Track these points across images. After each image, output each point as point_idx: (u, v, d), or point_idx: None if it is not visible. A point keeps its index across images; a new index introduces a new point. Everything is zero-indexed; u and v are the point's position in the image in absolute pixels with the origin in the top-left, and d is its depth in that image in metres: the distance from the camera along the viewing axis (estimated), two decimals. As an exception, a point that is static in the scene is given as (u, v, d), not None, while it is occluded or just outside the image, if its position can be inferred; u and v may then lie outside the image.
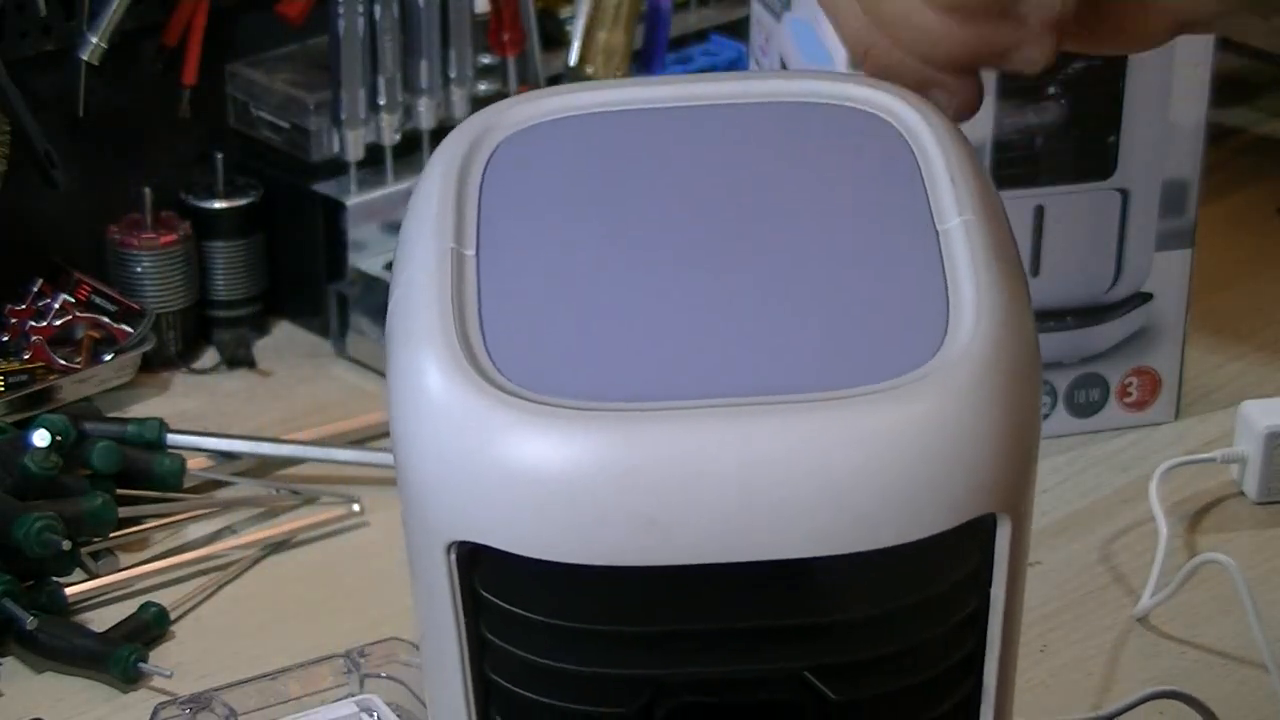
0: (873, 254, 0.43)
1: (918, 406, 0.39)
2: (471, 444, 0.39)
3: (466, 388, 0.40)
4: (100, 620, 1.00)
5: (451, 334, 0.41)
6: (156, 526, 1.08)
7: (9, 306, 1.21)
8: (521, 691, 0.41)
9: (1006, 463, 0.40)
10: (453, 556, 0.40)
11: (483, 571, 0.40)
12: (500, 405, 0.39)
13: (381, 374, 1.24)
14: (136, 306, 1.22)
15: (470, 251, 0.42)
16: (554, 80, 1.28)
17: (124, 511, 1.05)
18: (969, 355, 0.40)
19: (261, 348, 1.28)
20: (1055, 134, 1.11)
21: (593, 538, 0.38)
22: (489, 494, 0.39)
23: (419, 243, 0.43)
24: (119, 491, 1.06)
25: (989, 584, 0.41)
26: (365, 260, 1.25)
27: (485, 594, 0.41)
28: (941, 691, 0.42)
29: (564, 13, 1.34)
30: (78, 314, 1.21)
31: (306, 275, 1.28)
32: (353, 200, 1.25)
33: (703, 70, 1.40)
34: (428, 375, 0.40)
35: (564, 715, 0.41)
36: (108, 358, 1.19)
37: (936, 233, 0.43)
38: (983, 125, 1.09)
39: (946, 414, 0.39)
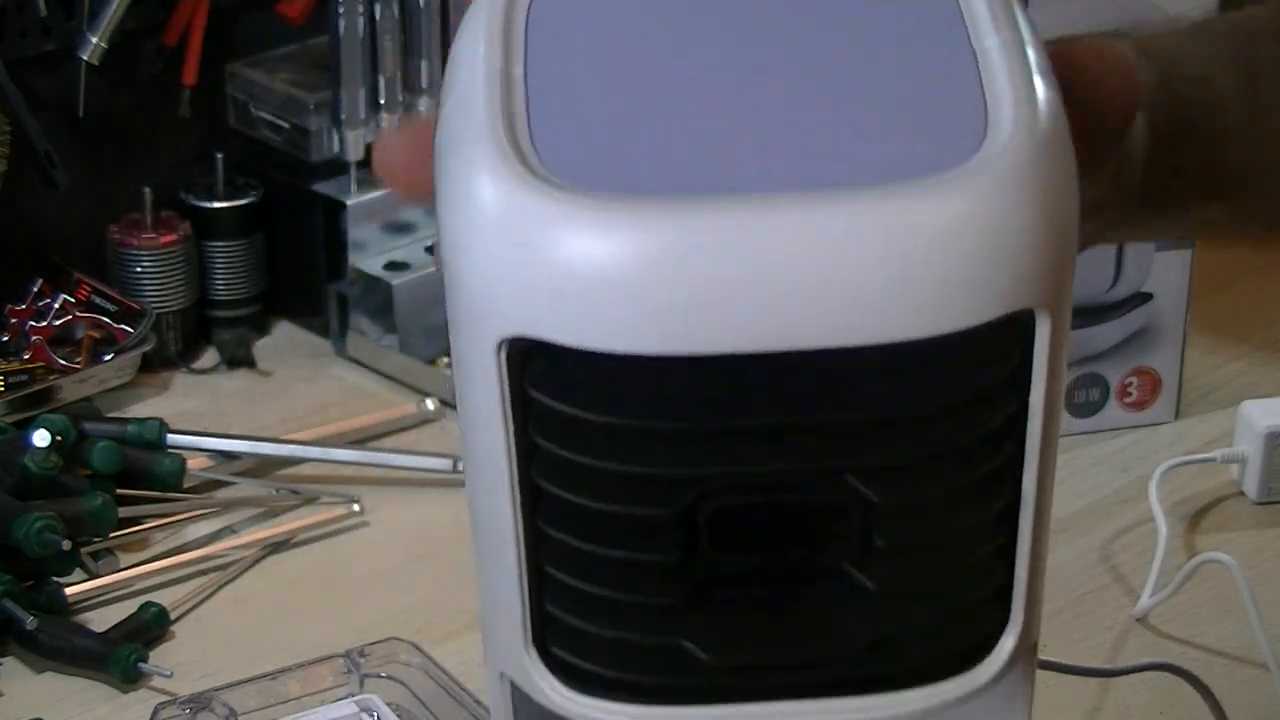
0: (914, 66, 0.44)
1: (961, 197, 0.40)
2: (523, 238, 0.40)
3: (516, 184, 0.40)
4: (100, 620, 1.00)
5: (500, 136, 0.41)
6: (156, 526, 1.09)
7: (9, 306, 1.21)
8: (569, 496, 0.41)
9: (1047, 257, 0.41)
10: (503, 355, 0.40)
11: (533, 370, 0.41)
12: (551, 198, 0.40)
13: (382, 374, 1.25)
14: (136, 306, 1.22)
15: (518, 69, 0.43)
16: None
17: (124, 511, 1.05)
18: (1011, 149, 0.41)
19: (261, 348, 1.28)
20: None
21: (644, 327, 0.39)
22: (541, 286, 0.40)
23: (466, 63, 0.44)
24: (119, 491, 1.07)
25: (1028, 386, 0.42)
26: (365, 260, 1.25)
27: (535, 393, 0.41)
28: (981, 497, 0.43)
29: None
30: (78, 314, 1.21)
31: (306, 275, 1.28)
32: (353, 200, 1.25)
33: None
34: (477, 176, 0.41)
35: (610, 519, 0.41)
36: (108, 358, 1.19)
37: (974, 51, 0.44)
38: (983, 125, 1.09)
39: (990, 205, 0.40)
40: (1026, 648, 0.45)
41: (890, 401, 0.41)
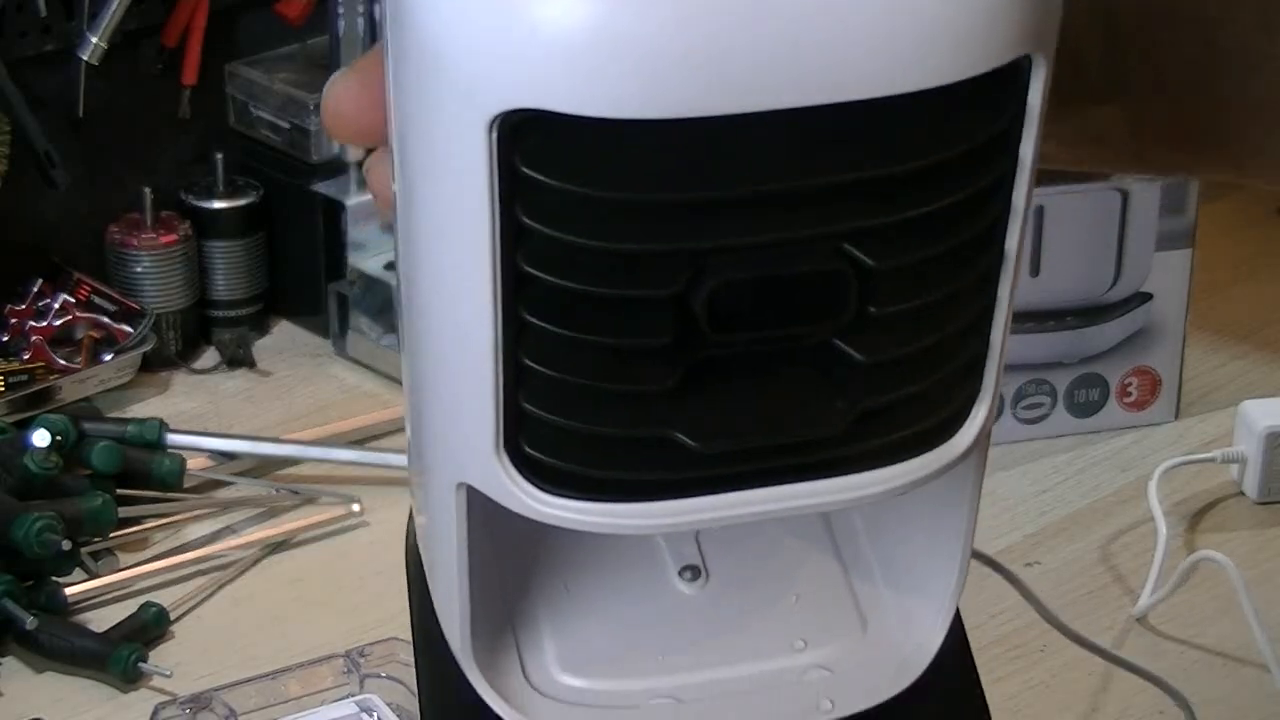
0: None
1: None
2: (514, 2, 0.38)
3: None
4: (100, 620, 1.00)
5: None
6: (156, 526, 1.09)
7: (9, 306, 1.21)
8: (560, 281, 0.40)
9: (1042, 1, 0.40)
10: (494, 134, 0.38)
11: (525, 147, 0.39)
12: None
13: (382, 374, 1.25)
14: (136, 306, 1.22)
15: None
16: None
17: (124, 511, 1.05)
18: None
19: (261, 348, 1.28)
20: (1055, 134, 1.11)
21: (641, 89, 0.38)
22: (536, 53, 0.38)
23: None
24: (119, 491, 1.07)
25: (1020, 138, 0.41)
26: (365, 260, 1.25)
27: (527, 171, 0.39)
28: (971, 257, 0.42)
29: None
30: (78, 314, 1.21)
31: (306, 275, 1.28)
32: (353, 200, 1.25)
33: None
34: None
35: (603, 303, 0.40)
36: (108, 358, 1.19)
37: None
38: (983, 125, 1.09)
39: None
40: (990, 422, 0.45)
41: (888, 160, 0.40)
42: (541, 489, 0.43)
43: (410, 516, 0.53)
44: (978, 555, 0.55)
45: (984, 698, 0.53)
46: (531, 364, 0.41)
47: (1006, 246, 0.43)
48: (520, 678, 0.51)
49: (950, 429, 0.44)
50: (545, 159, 0.39)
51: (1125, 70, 0.51)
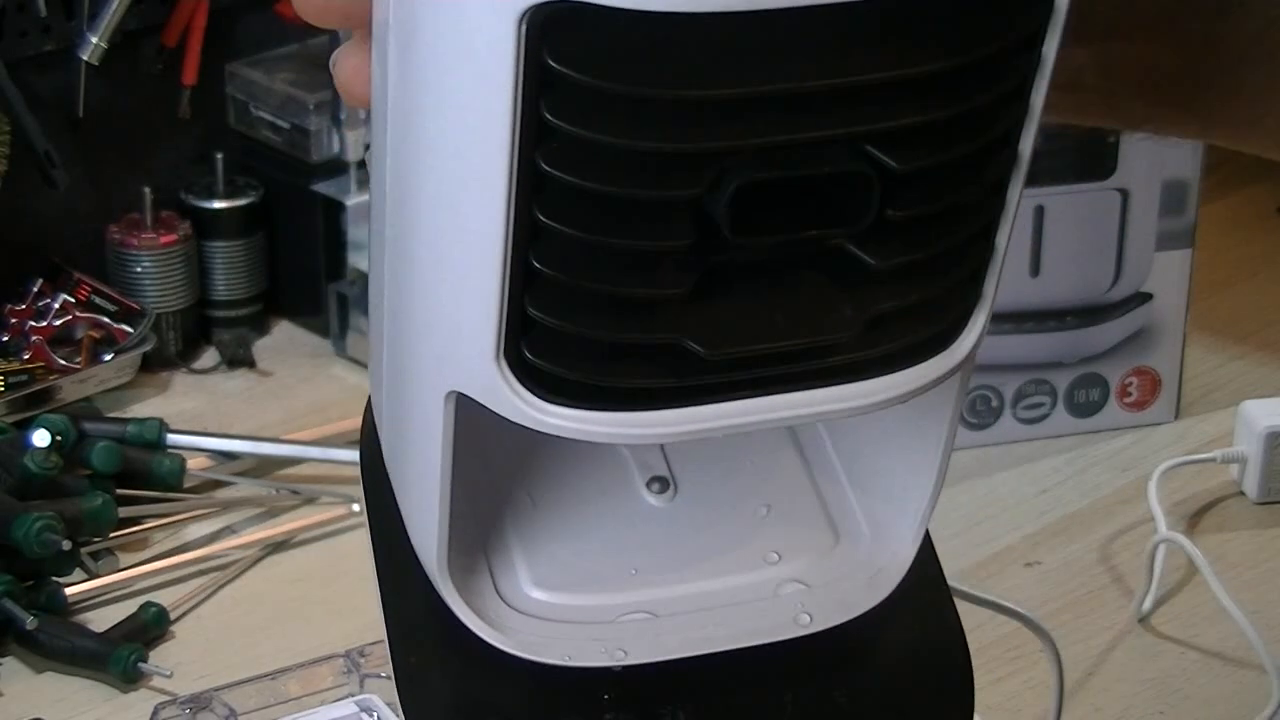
0: None
1: None
2: None
3: None
4: (100, 620, 1.00)
5: None
6: (156, 526, 1.08)
7: (9, 306, 1.21)
8: (582, 182, 0.39)
9: None
10: (524, 28, 0.37)
11: (554, 42, 0.38)
12: None
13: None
14: (136, 306, 1.22)
15: None
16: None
17: (124, 511, 1.05)
18: None
19: (261, 348, 1.28)
20: (1055, 134, 1.11)
21: None
22: None
23: None
24: (119, 491, 1.07)
25: (1043, 38, 0.41)
26: (365, 260, 1.25)
27: (555, 65, 0.38)
28: (989, 161, 0.42)
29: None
30: (78, 314, 1.21)
31: (306, 275, 1.28)
32: (353, 200, 1.25)
33: None
34: None
35: (623, 206, 0.39)
36: (108, 358, 1.19)
37: None
38: (983, 125, 1.09)
39: None
40: (986, 328, 0.45)
41: (916, 60, 0.39)
42: (543, 398, 0.42)
43: (367, 429, 0.52)
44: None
45: (956, 613, 0.53)
46: (542, 268, 0.40)
47: (1020, 149, 0.42)
48: (493, 594, 0.51)
49: (953, 335, 0.44)
50: (574, 54, 0.38)
51: (1098, 11, 0.51)
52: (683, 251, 0.40)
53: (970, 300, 0.44)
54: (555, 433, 0.42)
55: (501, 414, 0.43)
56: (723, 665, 0.49)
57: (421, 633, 0.50)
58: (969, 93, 0.40)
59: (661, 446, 0.52)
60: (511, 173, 0.39)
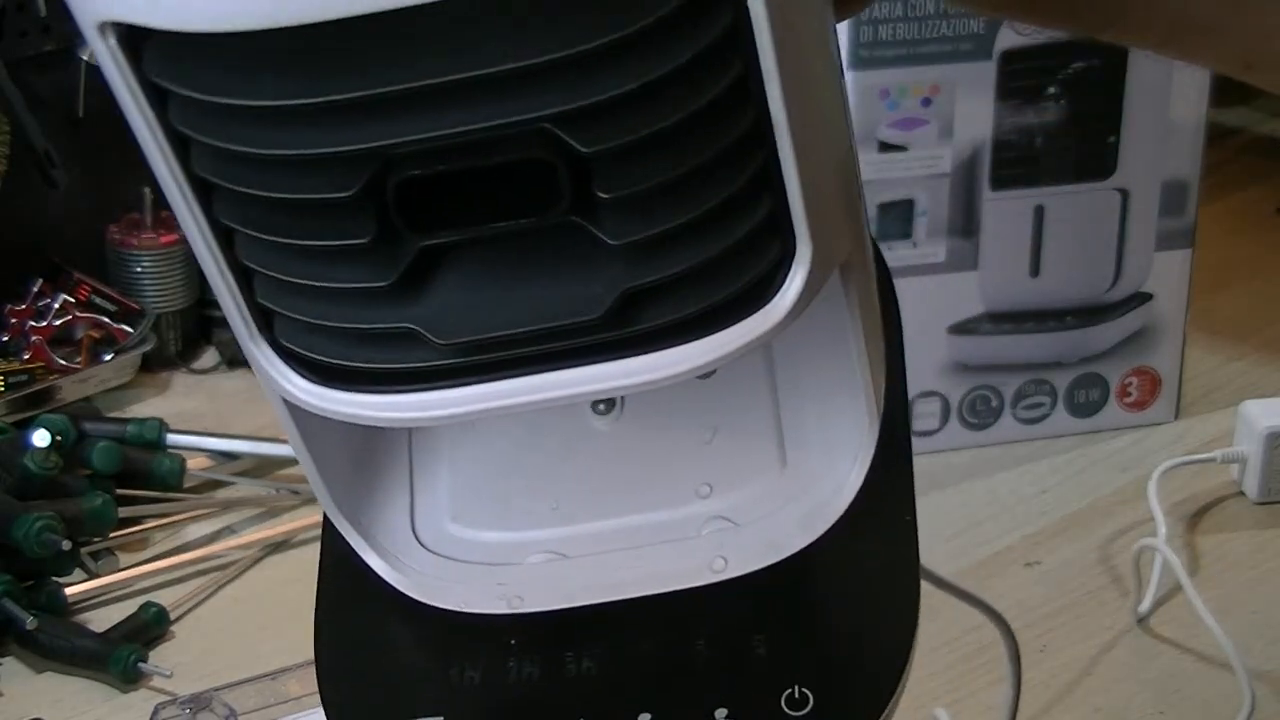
0: None
1: None
2: None
3: None
4: (100, 620, 1.00)
5: None
6: (156, 526, 1.09)
7: (9, 306, 1.21)
8: (236, 187, 0.38)
9: None
10: (111, 41, 0.36)
11: (147, 56, 0.37)
12: None
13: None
14: (136, 306, 1.22)
15: None
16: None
17: (124, 511, 1.05)
18: None
19: (261, 348, 1.28)
20: (1055, 134, 1.11)
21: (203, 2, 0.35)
22: None
23: None
24: (119, 491, 1.07)
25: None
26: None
27: (155, 79, 0.37)
28: (710, 130, 0.38)
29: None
30: (78, 314, 1.21)
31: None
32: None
33: None
34: None
35: (282, 206, 0.38)
36: (108, 358, 1.20)
37: None
38: (983, 125, 1.09)
39: None
40: (827, 274, 0.41)
41: (574, 35, 0.36)
42: (302, 375, 0.42)
43: None
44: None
45: (916, 575, 0.49)
46: (249, 264, 0.40)
47: (771, 106, 0.38)
48: (408, 531, 0.50)
49: (756, 298, 0.41)
50: (171, 68, 0.37)
51: None
52: (367, 246, 0.38)
53: (769, 259, 0.41)
54: (314, 411, 0.42)
55: (271, 389, 0.43)
56: (633, 608, 0.48)
57: (340, 565, 0.50)
58: (643, 66, 0.37)
59: None
60: (177, 179, 0.39)
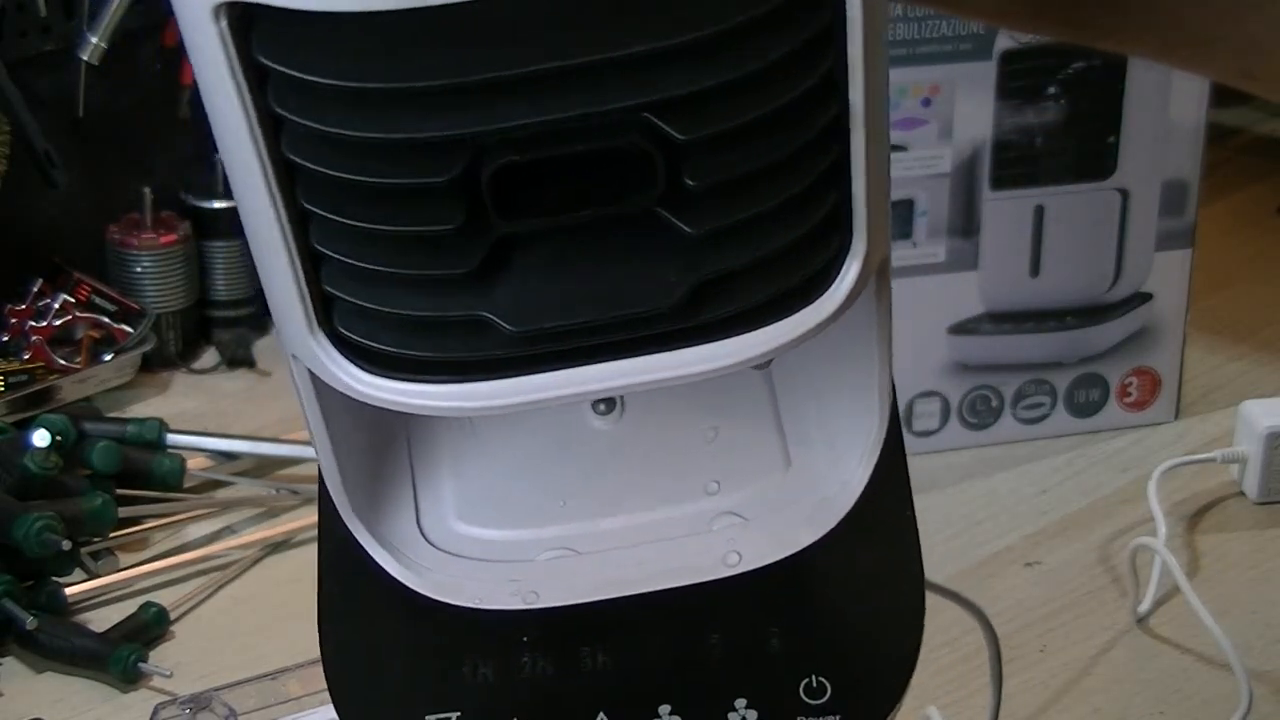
0: None
1: None
2: None
3: None
4: (100, 620, 1.00)
5: None
6: (156, 526, 1.09)
7: (9, 306, 1.21)
8: (328, 171, 0.38)
9: None
10: (223, 23, 0.37)
11: (258, 36, 0.37)
12: None
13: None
14: (136, 306, 1.22)
15: None
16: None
17: (124, 511, 1.05)
18: None
19: (261, 348, 1.28)
20: (1055, 134, 1.11)
21: None
22: None
23: None
24: (119, 491, 1.07)
25: None
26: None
27: (264, 60, 0.37)
28: (799, 119, 0.39)
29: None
30: (78, 314, 1.21)
31: (306, 275, 1.28)
32: (353, 200, 1.25)
33: None
34: None
35: (376, 192, 0.38)
36: (108, 358, 1.19)
37: None
38: (983, 125, 1.09)
39: None
40: (873, 270, 0.42)
41: (691, 22, 0.36)
42: (360, 367, 0.42)
43: None
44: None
45: (919, 561, 0.50)
46: (323, 250, 0.40)
47: (851, 100, 0.39)
48: (414, 530, 0.50)
49: (814, 290, 0.42)
50: (279, 49, 0.37)
51: None
52: (454, 233, 0.39)
53: (830, 251, 0.41)
54: (372, 402, 0.42)
55: (325, 380, 0.42)
56: (648, 603, 0.48)
57: (345, 564, 0.50)
58: (749, 51, 0.37)
59: None
60: (263, 162, 0.39)
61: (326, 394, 0.45)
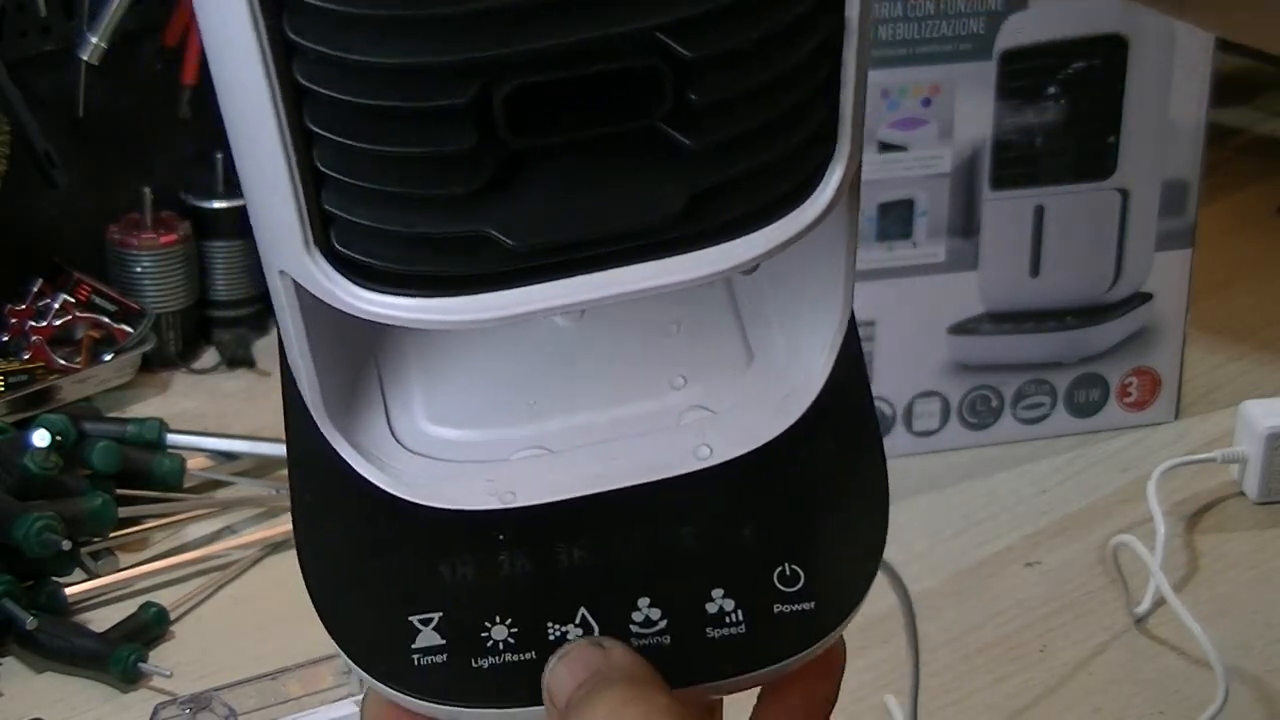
0: None
1: None
2: None
3: None
4: (100, 620, 1.00)
5: None
6: (156, 526, 1.09)
7: (9, 306, 1.21)
8: (342, 95, 0.39)
9: None
10: None
11: None
12: None
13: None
14: (136, 306, 1.22)
15: None
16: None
17: (124, 511, 1.05)
18: None
19: (261, 348, 1.28)
20: (1055, 134, 1.11)
21: None
22: None
23: None
24: (119, 491, 1.07)
25: None
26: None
27: None
28: (801, 35, 0.40)
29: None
30: (78, 314, 1.21)
31: (306, 275, 1.27)
32: (353, 200, 1.25)
33: None
34: None
35: (387, 115, 0.39)
36: (108, 358, 1.19)
37: None
38: (983, 125, 1.09)
39: None
40: (852, 176, 0.44)
41: None
42: (357, 284, 0.42)
43: None
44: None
45: (880, 446, 0.51)
46: (326, 170, 0.40)
47: (847, 15, 0.41)
48: (386, 432, 0.50)
49: (802, 196, 0.43)
50: None
51: None
52: (464, 153, 0.39)
53: (817, 159, 0.43)
54: (371, 318, 0.42)
55: (320, 298, 0.43)
56: (622, 498, 0.49)
57: (318, 469, 0.50)
58: None
59: None
60: (272, 86, 0.39)
61: (310, 311, 0.45)
